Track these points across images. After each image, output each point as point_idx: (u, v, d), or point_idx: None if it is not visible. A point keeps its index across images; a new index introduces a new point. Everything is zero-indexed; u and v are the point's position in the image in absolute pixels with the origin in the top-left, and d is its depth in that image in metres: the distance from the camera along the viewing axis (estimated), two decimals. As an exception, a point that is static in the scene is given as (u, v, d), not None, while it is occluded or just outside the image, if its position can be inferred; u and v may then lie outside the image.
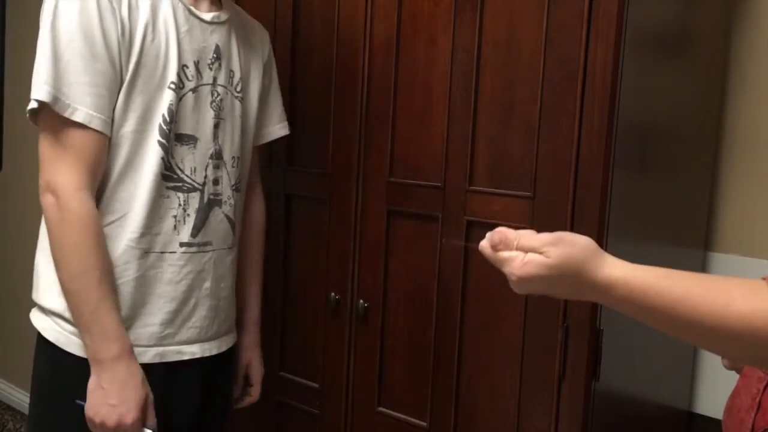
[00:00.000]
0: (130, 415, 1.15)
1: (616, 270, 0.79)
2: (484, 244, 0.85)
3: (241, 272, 1.44)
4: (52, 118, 1.13)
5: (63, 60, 1.11)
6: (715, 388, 1.64)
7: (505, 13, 1.29)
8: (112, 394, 1.14)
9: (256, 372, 1.48)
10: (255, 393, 1.48)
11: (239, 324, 1.45)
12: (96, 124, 1.14)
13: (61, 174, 1.13)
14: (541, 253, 0.80)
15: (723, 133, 1.69)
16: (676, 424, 1.68)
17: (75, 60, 1.12)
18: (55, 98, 1.11)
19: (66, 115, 1.12)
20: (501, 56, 1.30)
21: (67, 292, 1.16)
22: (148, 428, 1.19)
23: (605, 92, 1.18)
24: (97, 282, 1.14)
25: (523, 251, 0.81)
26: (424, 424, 1.44)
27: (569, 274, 0.80)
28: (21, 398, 3.06)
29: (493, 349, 1.34)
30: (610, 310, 1.22)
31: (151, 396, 1.19)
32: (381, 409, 1.50)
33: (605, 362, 1.24)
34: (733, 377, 1.06)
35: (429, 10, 1.39)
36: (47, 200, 1.14)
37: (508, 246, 0.82)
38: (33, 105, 1.13)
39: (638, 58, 1.25)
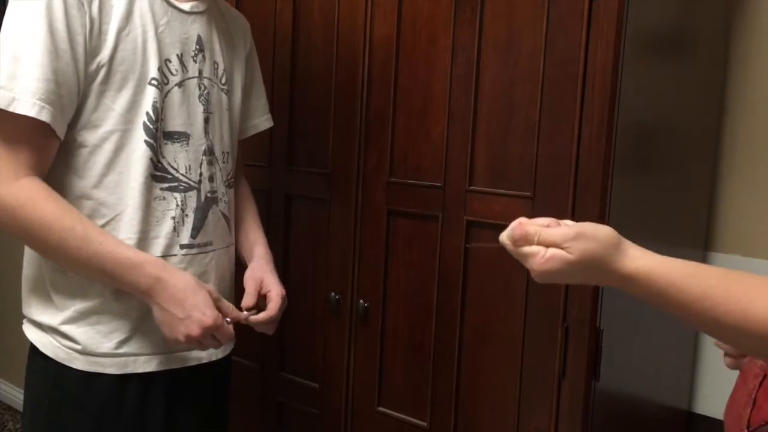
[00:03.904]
0: (205, 316, 1.12)
1: (637, 263, 0.80)
2: (505, 240, 0.84)
3: (241, 225, 1.39)
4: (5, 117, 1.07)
5: (27, 58, 1.05)
6: (715, 388, 1.64)
7: (505, 13, 1.29)
8: (177, 309, 1.11)
9: (274, 287, 1.31)
10: (273, 307, 1.28)
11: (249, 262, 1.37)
12: (57, 127, 1.08)
13: (6, 171, 1.07)
14: (563, 248, 0.80)
15: (723, 133, 1.69)
16: (676, 424, 1.68)
17: (38, 58, 1.05)
18: (13, 99, 1.05)
19: (32, 114, 1.05)
20: (501, 56, 1.30)
21: (70, 266, 1.13)
22: (228, 321, 1.18)
23: (605, 92, 1.18)
24: (83, 236, 1.08)
25: (544, 246, 0.81)
26: (424, 424, 1.44)
27: (590, 268, 0.81)
28: (21, 398, 3.05)
29: (493, 349, 1.34)
30: (611, 310, 1.23)
31: (214, 291, 1.17)
32: (381, 409, 1.50)
33: (605, 362, 1.24)
34: (733, 377, 1.07)
35: (429, 10, 1.39)
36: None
37: (528, 241, 0.82)
38: None
39: (638, 58, 1.25)
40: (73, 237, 1.08)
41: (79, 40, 1.09)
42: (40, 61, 1.06)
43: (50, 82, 1.06)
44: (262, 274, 1.32)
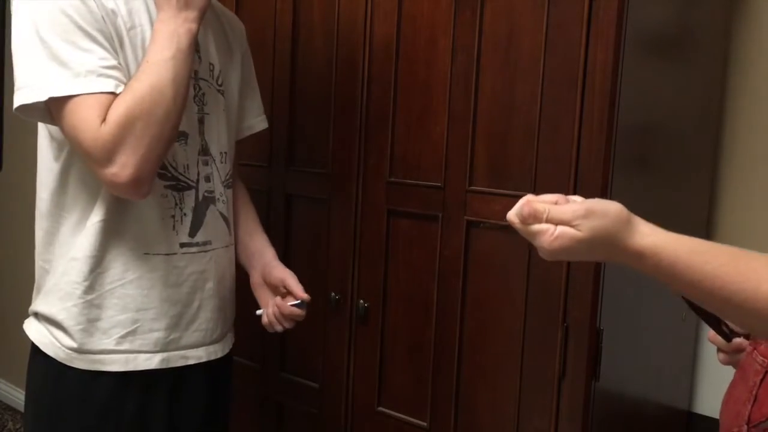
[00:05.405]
0: None
1: (647, 240, 0.79)
2: (513, 218, 0.83)
3: (243, 229, 1.40)
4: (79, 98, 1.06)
5: (67, 44, 1.05)
6: (715, 388, 1.64)
7: (505, 13, 1.29)
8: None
9: (297, 286, 1.33)
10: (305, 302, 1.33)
11: (255, 268, 1.38)
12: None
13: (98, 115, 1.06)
14: (572, 226, 0.79)
15: (723, 133, 1.69)
16: (676, 424, 1.68)
17: (76, 38, 1.06)
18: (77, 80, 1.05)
19: (112, 89, 1.07)
20: (501, 56, 1.30)
21: (178, 77, 1.11)
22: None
23: (605, 92, 1.18)
24: (152, 63, 1.09)
25: (553, 224, 0.80)
26: (424, 424, 1.44)
27: (600, 245, 0.80)
28: (21, 398, 3.06)
29: (493, 349, 1.34)
30: (611, 310, 1.23)
31: None
32: (381, 409, 1.50)
33: (605, 362, 1.24)
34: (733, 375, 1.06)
35: (429, 11, 1.39)
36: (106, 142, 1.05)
37: (537, 219, 0.81)
38: (68, 92, 1.05)
39: (638, 58, 1.25)
40: (155, 69, 1.09)
41: (102, 19, 1.10)
42: (90, 38, 1.07)
43: (107, 50, 1.09)
44: (284, 276, 1.34)
